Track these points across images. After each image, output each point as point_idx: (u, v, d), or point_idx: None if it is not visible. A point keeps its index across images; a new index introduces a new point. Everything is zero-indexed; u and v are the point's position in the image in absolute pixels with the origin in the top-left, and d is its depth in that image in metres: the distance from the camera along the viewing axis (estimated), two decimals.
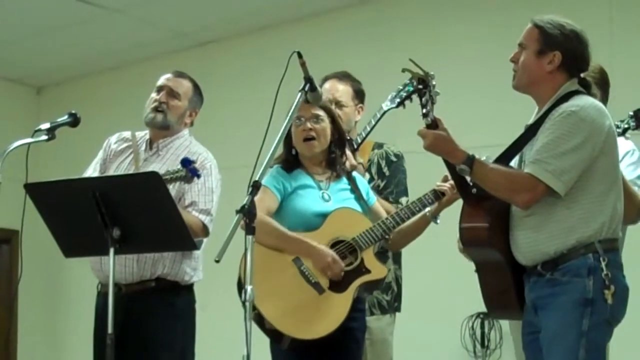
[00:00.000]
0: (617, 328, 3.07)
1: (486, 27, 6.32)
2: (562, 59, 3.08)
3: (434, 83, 3.17)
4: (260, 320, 3.39)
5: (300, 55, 3.16)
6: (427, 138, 3.09)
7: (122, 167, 3.96)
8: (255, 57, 7.10)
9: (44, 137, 3.62)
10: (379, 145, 4.11)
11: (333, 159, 3.66)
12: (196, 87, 4.08)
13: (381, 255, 3.94)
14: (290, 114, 3.18)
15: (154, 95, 3.99)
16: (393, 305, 4.05)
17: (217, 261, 2.84)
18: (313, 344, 3.41)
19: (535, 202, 2.99)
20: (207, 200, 3.81)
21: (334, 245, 3.52)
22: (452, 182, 3.67)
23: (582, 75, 3.14)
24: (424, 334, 5.95)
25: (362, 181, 3.76)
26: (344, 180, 3.68)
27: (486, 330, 5.87)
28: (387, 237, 3.60)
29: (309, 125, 3.57)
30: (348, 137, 3.95)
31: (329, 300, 3.45)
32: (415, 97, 3.74)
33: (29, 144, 3.59)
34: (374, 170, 4.03)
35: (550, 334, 2.98)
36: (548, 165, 2.95)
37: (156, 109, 3.95)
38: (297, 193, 3.57)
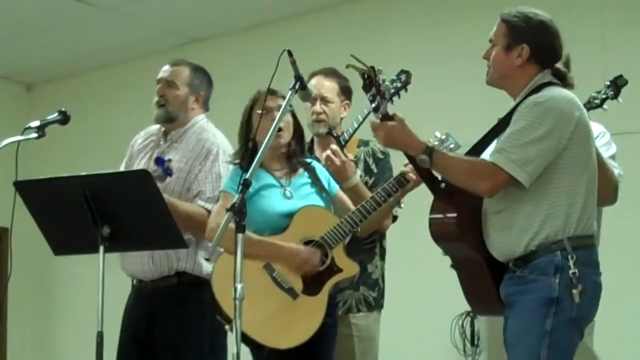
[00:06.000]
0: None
1: (481, 25, 6.28)
2: (530, 52, 3.02)
3: (382, 77, 3.14)
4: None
5: (290, 54, 3.16)
6: (381, 131, 3.03)
7: (142, 163, 3.97)
8: (246, 55, 7.09)
9: (34, 135, 3.61)
10: (365, 143, 4.10)
11: (293, 152, 3.63)
12: (196, 70, 4.04)
13: (369, 252, 3.96)
14: (280, 112, 3.18)
15: (156, 90, 4.01)
16: (379, 302, 4.05)
17: (207, 259, 2.86)
18: (293, 349, 3.38)
19: (498, 191, 2.91)
20: (215, 187, 3.78)
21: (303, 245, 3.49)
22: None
23: (556, 65, 3.07)
24: (414, 332, 5.95)
25: (322, 171, 3.71)
26: (304, 174, 3.65)
27: (476, 328, 5.86)
28: (355, 230, 3.56)
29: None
30: (335, 134, 3.95)
31: (303, 304, 3.42)
32: (403, 92, 3.75)
33: (19, 141, 3.59)
34: (360, 167, 4.01)
35: (513, 333, 2.92)
36: (511, 154, 2.87)
37: (157, 105, 3.96)
38: (259, 194, 3.51)
